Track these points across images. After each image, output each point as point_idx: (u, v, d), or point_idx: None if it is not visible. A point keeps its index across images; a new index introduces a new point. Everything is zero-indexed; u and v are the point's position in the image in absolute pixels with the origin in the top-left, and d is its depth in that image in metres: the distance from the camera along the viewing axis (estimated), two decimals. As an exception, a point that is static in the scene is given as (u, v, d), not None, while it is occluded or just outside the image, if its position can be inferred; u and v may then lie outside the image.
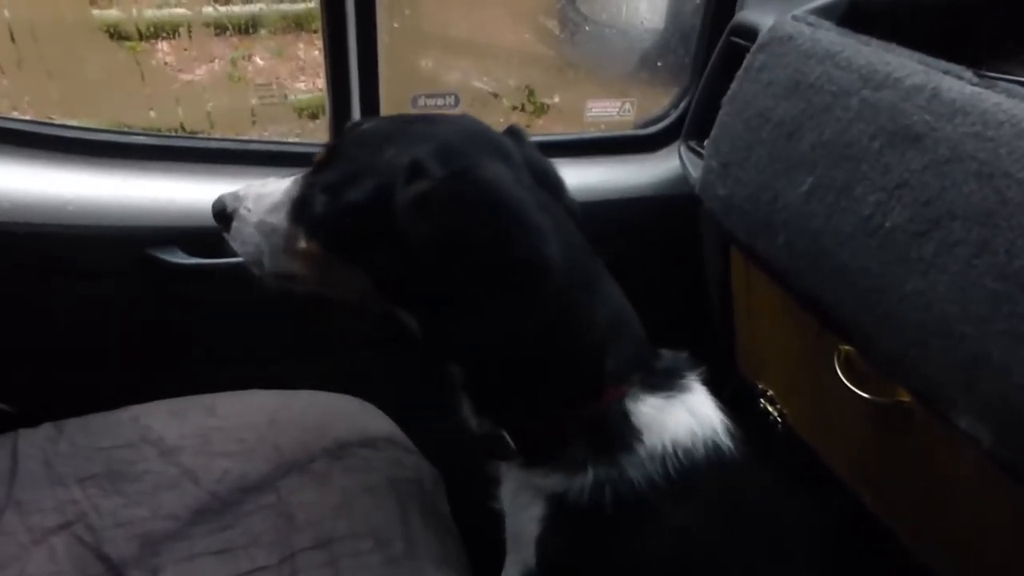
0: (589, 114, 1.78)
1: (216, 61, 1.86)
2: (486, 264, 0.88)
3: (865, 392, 1.20)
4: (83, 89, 1.68)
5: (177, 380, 1.50)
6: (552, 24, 1.96)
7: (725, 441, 1.00)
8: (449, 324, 0.92)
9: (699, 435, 0.99)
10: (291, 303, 1.16)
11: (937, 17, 1.24)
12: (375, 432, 1.37)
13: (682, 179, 1.70)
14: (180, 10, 1.65)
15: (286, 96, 1.83)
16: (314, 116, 2.06)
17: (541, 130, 1.93)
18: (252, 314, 1.46)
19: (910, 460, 1.20)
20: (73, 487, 1.23)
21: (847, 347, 1.25)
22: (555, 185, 1.12)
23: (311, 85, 2.14)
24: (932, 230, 0.95)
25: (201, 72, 1.81)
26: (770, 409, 1.57)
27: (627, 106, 1.78)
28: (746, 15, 1.48)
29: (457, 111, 1.69)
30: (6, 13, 1.53)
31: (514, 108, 1.87)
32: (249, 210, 1.07)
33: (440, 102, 1.66)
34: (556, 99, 1.92)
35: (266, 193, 1.08)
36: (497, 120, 1.90)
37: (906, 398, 1.15)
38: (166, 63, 1.76)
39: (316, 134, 2.01)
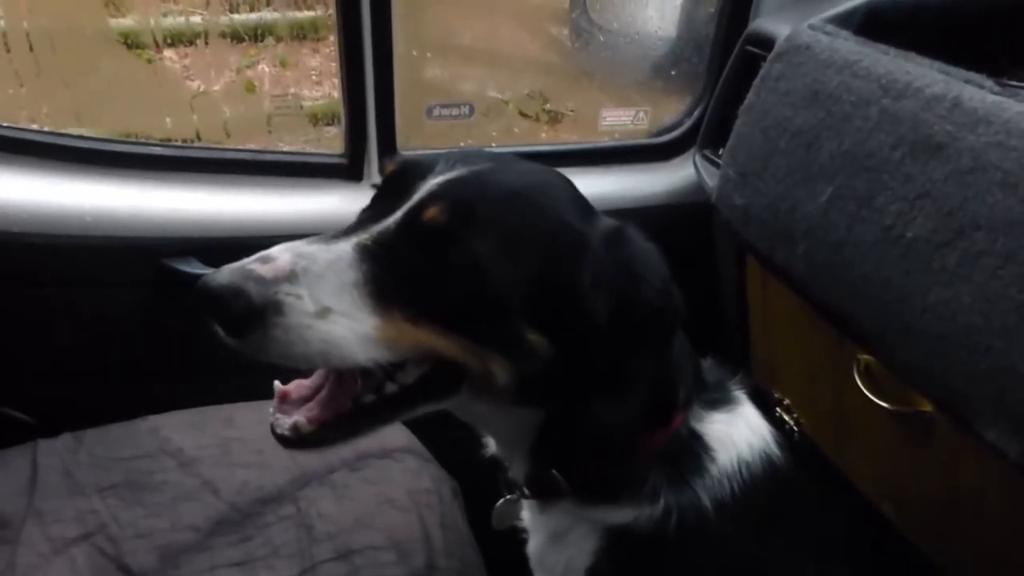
0: (603, 123, 1.78)
1: (229, 70, 1.87)
2: (653, 324, 0.86)
3: (885, 402, 1.19)
4: (99, 98, 1.68)
5: (194, 390, 1.50)
6: (564, 33, 1.96)
7: (775, 451, 0.99)
8: (590, 391, 0.86)
9: (757, 448, 0.97)
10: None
11: (957, 26, 1.23)
12: (393, 443, 1.37)
13: (696, 187, 1.70)
14: (195, 19, 1.66)
15: (301, 106, 1.84)
16: (328, 123, 2.07)
17: (555, 139, 1.93)
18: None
19: (932, 470, 1.19)
20: (93, 497, 1.23)
21: (867, 357, 1.24)
22: None
23: (319, 92, 2.14)
24: (955, 240, 0.94)
25: (215, 81, 1.81)
26: (786, 418, 1.56)
27: (641, 115, 1.79)
28: (761, 24, 1.48)
29: (472, 121, 1.70)
30: (25, 24, 1.54)
31: (526, 116, 1.87)
32: (300, 297, 0.74)
33: (455, 111, 1.67)
34: (570, 108, 1.92)
35: (317, 269, 0.76)
36: (511, 128, 1.91)
37: (927, 408, 1.14)
38: (185, 74, 1.76)
39: (332, 142, 1.99)
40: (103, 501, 1.23)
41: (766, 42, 1.40)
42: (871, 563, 1.01)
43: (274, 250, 0.77)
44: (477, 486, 1.34)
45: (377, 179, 1.62)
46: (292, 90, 1.90)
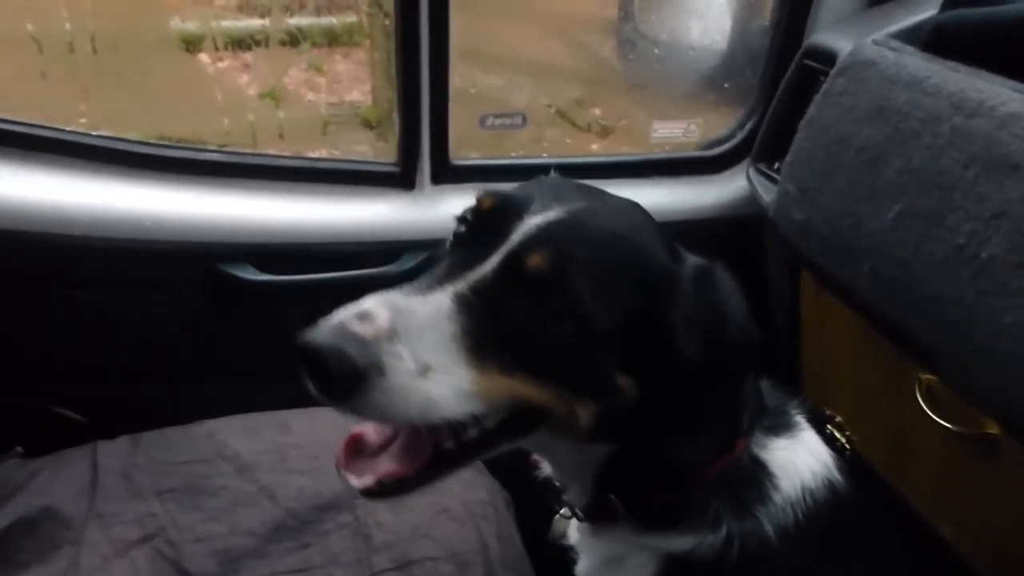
0: (655, 135, 1.78)
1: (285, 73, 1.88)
2: (737, 362, 0.87)
3: (949, 423, 1.18)
4: (156, 102, 1.70)
5: (245, 393, 1.52)
6: (613, 45, 1.96)
7: (837, 477, 0.98)
8: (673, 427, 0.86)
9: (819, 475, 0.96)
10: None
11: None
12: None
13: (746, 201, 1.69)
14: (255, 22, 1.68)
15: (356, 112, 1.85)
16: (371, 126, 2.07)
17: (606, 151, 1.93)
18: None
19: (997, 494, 1.17)
20: (152, 500, 1.25)
21: (929, 376, 1.23)
22: None
23: (350, 98, 2.15)
24: (1033, 261, 0.93)
25: (272, 82, 1.83)
26: (838, 435, 1.55)
27: (692, 127, 1.78)
28: (821, 38, 1.47)
29: (524, 131, 1.70)
30: (90, 25, 1.56)
31: (578, 128, 1.87)
32: (402, 357, 0.72)
33: (508, 122, 1.67)
34: (621, 120, 1.92)
35: (417, 326, 0.74)
36: (564, 140, 1.92)
37: (994, 430, 1.13)
38: (244, 76, 1.78)
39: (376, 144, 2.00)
40: (162, 504, 1.24)
41: (826, 56, 1.39)
42: None
43: (371, 304, 0.74)
44: (525, 496, 1.35)
45: (429, 187, 1.64)
46: (340, 99, 1.91)
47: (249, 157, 1.65)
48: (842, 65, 1.29)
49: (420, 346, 0.73)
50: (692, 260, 0.89)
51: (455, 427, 0.81)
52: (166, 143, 1.62)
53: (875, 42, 1.28)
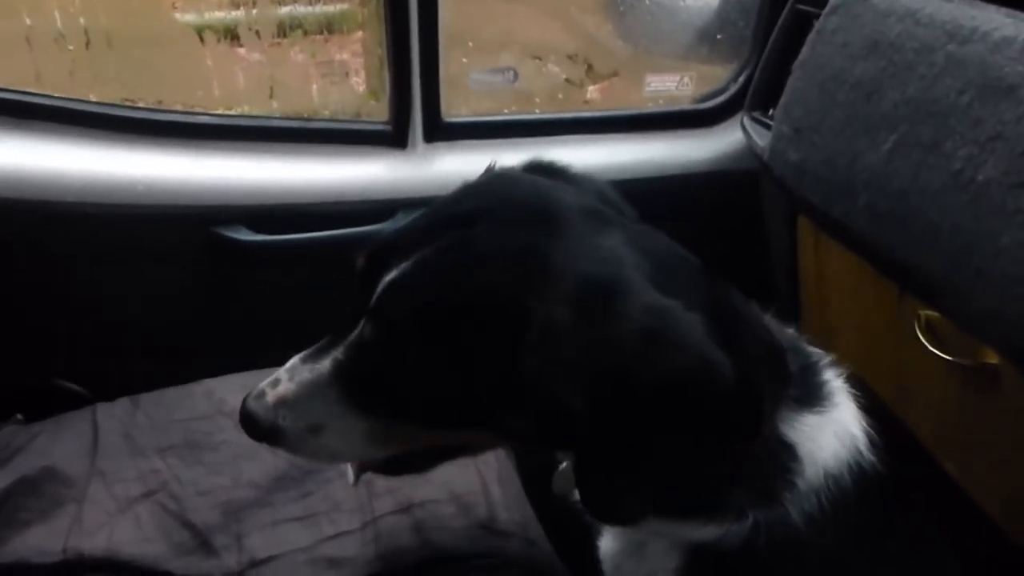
0: (648, 89, 1.77)
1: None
2: (672, 405, 0.74)
3: (949, 355, 1.18)
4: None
5: (244, 361, 1.51)
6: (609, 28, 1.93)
7: (868, 458, 0.89)
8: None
9: (843, 458, 0.88)
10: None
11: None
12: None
13: (741, 154, 1.68)
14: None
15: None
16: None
17: (601, 105, 1.92)
18: (318, 291, 1.47)
19: (998, 424, 1.17)
20: (154, 457, 1.25)
21: (928, 312, 1.23)
22: (618, 204, 0.96)
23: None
24: (1030, 181, 0.92)
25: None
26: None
27: (686, 79, 1.77)
28: (814, -19, 1.46)
29: (516, 86, 1.69)
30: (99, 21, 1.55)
31: (570, 82, 1.85)
32: (291, 420, 0.84)
33: (499, 78, 1.66)
34: (615, 75, 1.90)
35: (304, 392, 0.84)
36: (555, 95, 1.90)
37: (994, 360, 1.13)
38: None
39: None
40: (163, 461, 1.25)
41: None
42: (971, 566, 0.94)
43: (281, 372, 0.86)
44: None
45: (422, 146, 1.63)
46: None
47: (241, 119, 1.64)
48: (835, 3, 1.28)
49: (306, 410, 0.84)
50: (597, 279, 0.76)
51: None
52: (157, 107, 1.61)
53: (867, -22, 1.27)
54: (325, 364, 0.83)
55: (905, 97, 1.10)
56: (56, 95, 1.50)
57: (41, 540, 1.12)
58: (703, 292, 0.82)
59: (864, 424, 0.91)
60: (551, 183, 0.91)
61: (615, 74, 1.88)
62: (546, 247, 0.77)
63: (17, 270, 1.49)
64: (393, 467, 0.95)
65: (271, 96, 1.71)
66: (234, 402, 1.31)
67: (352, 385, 0.82)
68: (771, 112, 1.52)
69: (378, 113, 1.66)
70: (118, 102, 1.58)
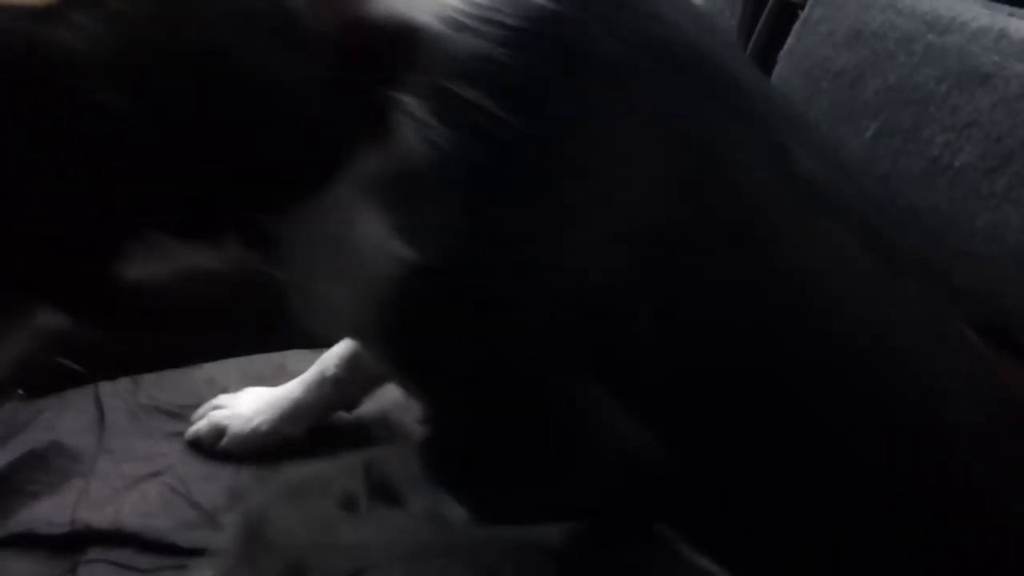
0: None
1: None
2: None
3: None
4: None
5: (244, 340, 1.53)
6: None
7: None
8: None
9: None
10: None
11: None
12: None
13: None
14: None
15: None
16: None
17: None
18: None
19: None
20: (160, 440, 1.27)
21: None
22: None
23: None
24: (1004, 166, 0.98)
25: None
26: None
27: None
28: (799, -27, 1.50)
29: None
30: None
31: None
32: None
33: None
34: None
35: None
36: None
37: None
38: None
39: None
40: (170, 445, 1.27)
41: (804, -10, 1.43)
42: None
43: None
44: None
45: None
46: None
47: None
48: (820, -6, 1.32)
49: None
50: None
51: None
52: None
53: (851, -30, 1.31)
54: None
55: (886, 85, 1.15)
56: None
57: (49, 512, 1.14)
58: None
59: None
60: None
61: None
62: None
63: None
64: None
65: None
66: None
67: None
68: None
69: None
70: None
